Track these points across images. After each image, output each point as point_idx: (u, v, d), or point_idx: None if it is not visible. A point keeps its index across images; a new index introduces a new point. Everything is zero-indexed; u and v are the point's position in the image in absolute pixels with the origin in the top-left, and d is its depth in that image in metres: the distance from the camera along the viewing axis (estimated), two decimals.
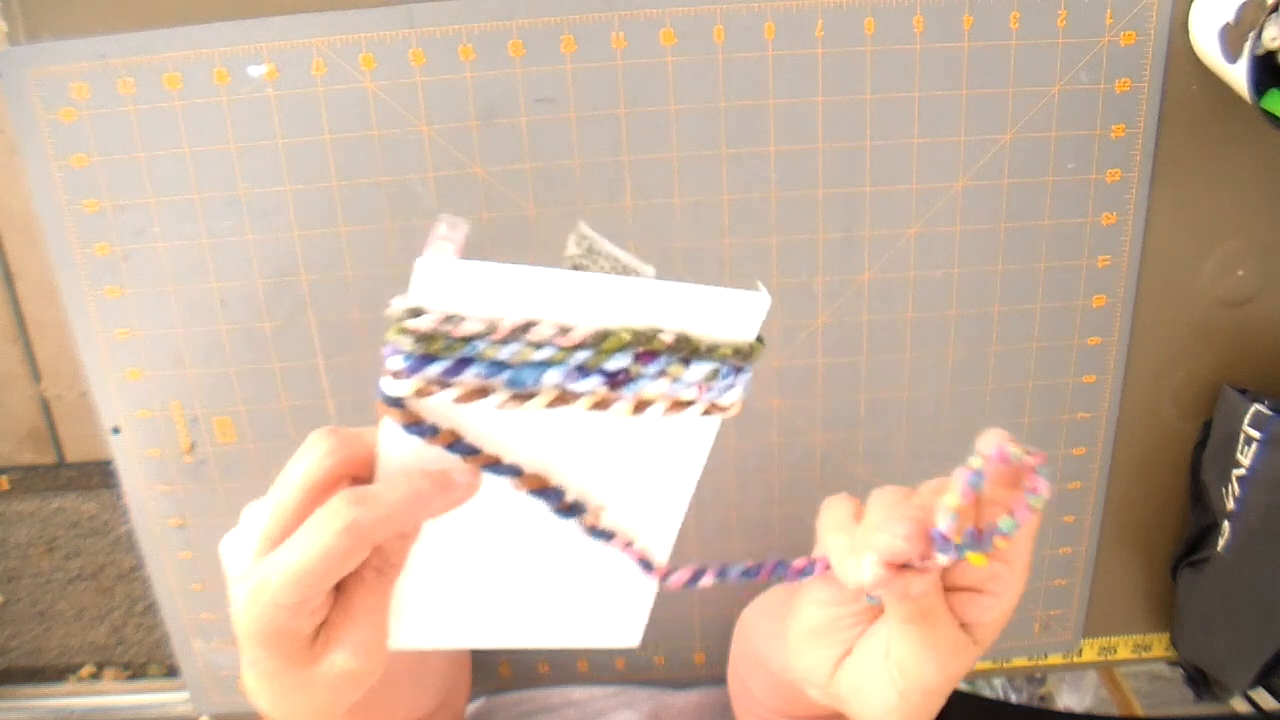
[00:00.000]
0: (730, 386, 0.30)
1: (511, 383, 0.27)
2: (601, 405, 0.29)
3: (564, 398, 0.28)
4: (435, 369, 0.27)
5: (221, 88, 0.49)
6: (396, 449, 0.29)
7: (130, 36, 0.48)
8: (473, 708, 0.60)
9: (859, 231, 0.53)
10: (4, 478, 1.58)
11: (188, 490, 0.56)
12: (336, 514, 0.27)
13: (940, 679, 0.33)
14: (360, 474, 0.30)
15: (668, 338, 0.28)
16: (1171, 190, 0.53)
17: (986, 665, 0.63)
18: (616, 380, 0.28)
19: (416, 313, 0.26)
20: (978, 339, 0.55)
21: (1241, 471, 0.52)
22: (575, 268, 0.30)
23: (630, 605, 0.35)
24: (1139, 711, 0.85)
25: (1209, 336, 0.56)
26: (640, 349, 0.28)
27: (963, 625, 0.34)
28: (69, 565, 1.59)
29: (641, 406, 0.29)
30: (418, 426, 0.28)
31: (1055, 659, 0.64)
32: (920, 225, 0.53)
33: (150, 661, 1.61)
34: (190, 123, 0.49)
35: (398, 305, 0.26)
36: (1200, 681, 0.62)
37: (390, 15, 0.48)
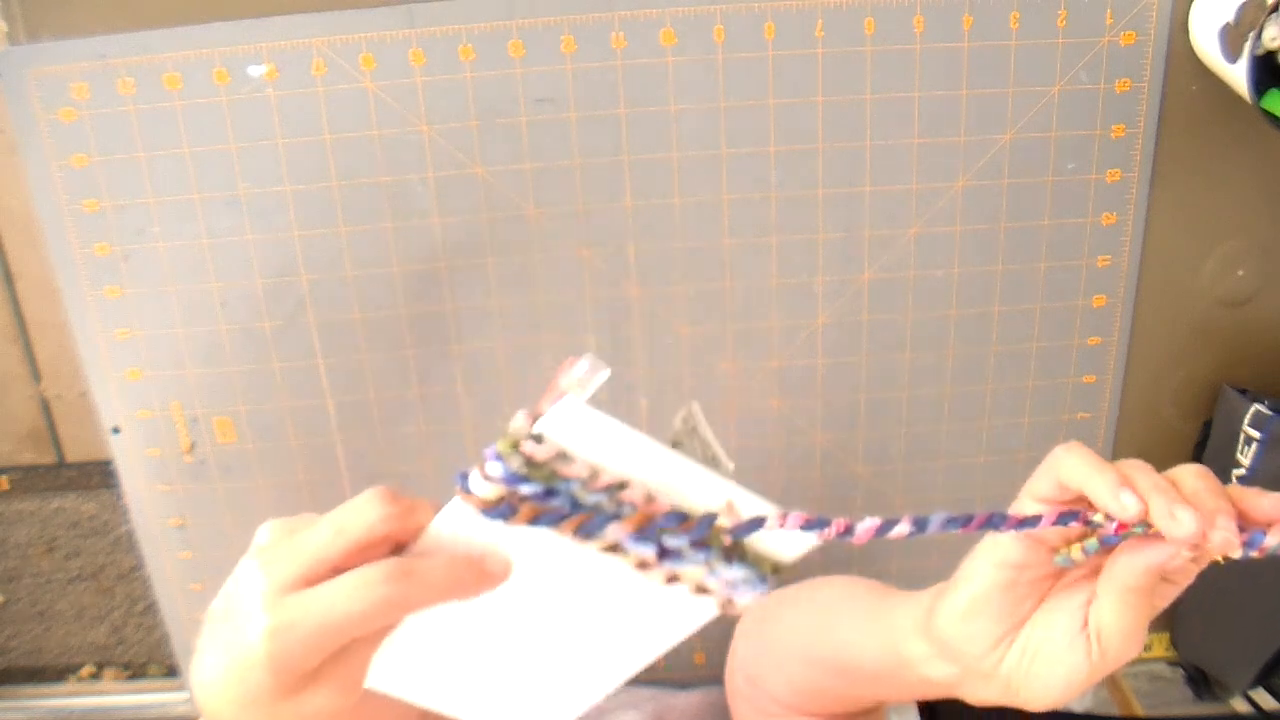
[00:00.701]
0: (751, 592, 0.32)
1: (582, 528, 0.29)
2: (642, 567, 0.31)
3: (616, 549, 0.30)
4: (527, 489, 0.28)
5: (221, 88, 0.49)
6: (455, 524, 0.30)
7: (130, 36, 0.48)
8: None
9: (859, 231, 0.53)
10: (4, 478, 1.58)
11: (188, 490, 0.56)
12: (383, 583, 0.28)
13: (1137, 653, 0.34)
14: (403, 539, 0.30)
15: (727, 538, 0.30)
16: (1171, 190, 0.53)
17: None
18: (666, 553, 0.30)
19: (538, 439, 0.28)
20: (978, 339, 0.55)
21: (1241, 471, 0.52)
22: (675, 442, 0.31)
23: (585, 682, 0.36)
24: (1139, 711, 0.85)
25: (1209, 336, 0.56)
26: (698, 539, 0.30)
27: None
28: (69, 565, 1.59)
29: (672, 580, 0.31)
30: (498, 510, 0.29)
31: None
32: (920, 225, 0.53)
33: (150, 661, 1.61)
34: (190, 123, 0.49)
35: (520, 423, 0.28)
36: (1200, 681, 0.62)
37: (390, 15, 0.48)
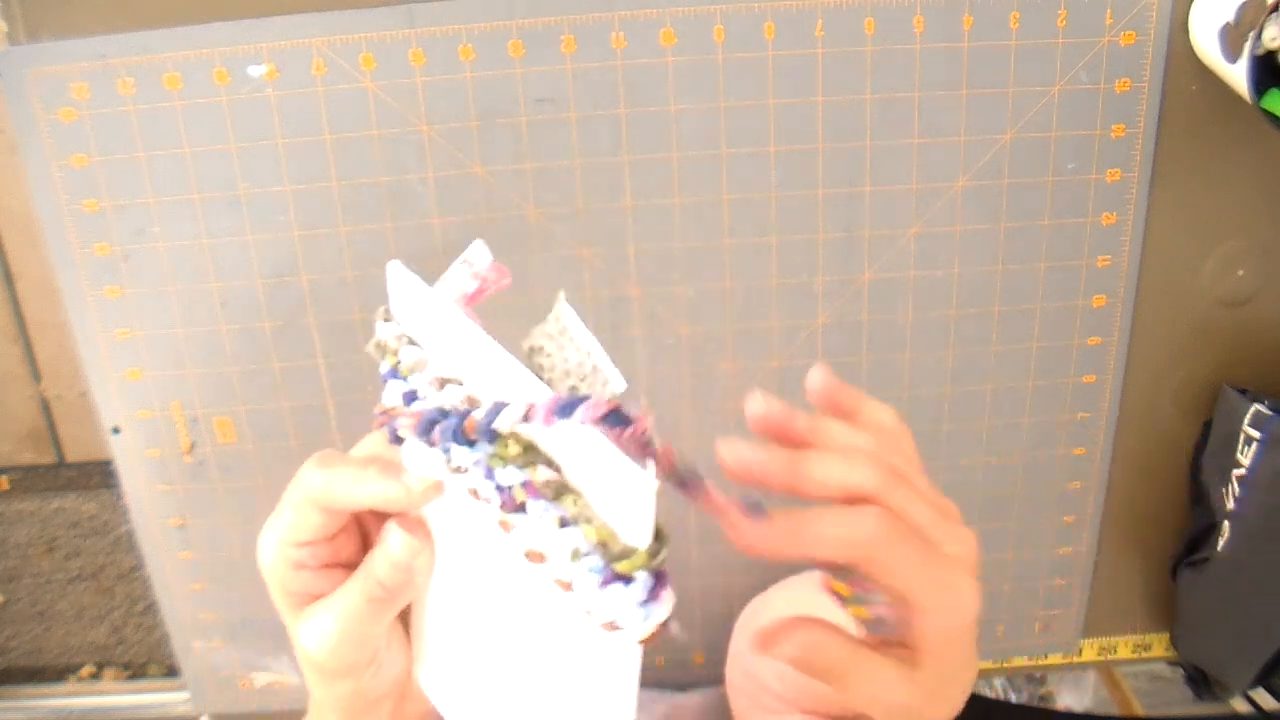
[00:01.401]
0: (604, 585, 0.24)
1: (419, 425, 0.25)
2: (502, 526, 0.26)
3: (474, 491, 0.26)
4: (396, 388, 0.26)
5: (221, 88, 0.49)
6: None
7: (130, 36, 0.48)
8: None
9: (859, 231, 0.53)
10: (4, 478, 1.58)
11: (188, 490, 0.56)
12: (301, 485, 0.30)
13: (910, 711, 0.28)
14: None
15: (548, 476, 0.24)
16: (1171, 190, 0.53)
17: (986, 665, 0.63)
18: (507, 500, 0.25)
19: (387, 318, 0.26)
20: (978, 339, 0.55)
21: (1241, 471, 0.52)
22: (536, 347, 0.27)
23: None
24: (1139, 711, 0.85)
25: (1209, 336, 0.56)
26: (527, 478, 0.24)
27: (904, 649, 0.29)
28: (69, 565, 1.59)
29: (535, 558, 0.25)
30: (390, 429, 0.27)
31: (1055, 659, 0.64)
32: (920, 225, 0.53)
33: (150, 661, 1.61)
34: (190, 123, 0.49)
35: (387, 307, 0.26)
36: (1200, 681, 0.62)
37: (390, 15, 0.48)
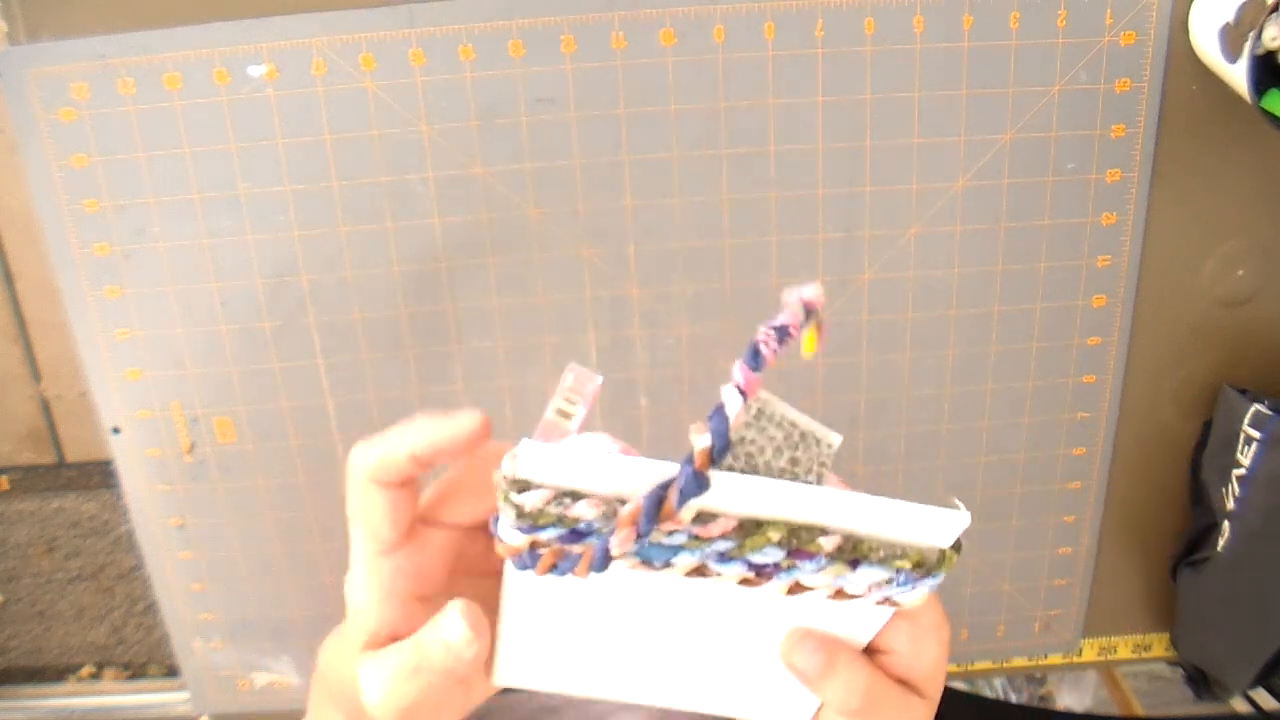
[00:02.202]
0: (911, 590, 0.27)
1: (639, 555, 0.26)
2: (748, 584, 0.26)
3: (703, 571, 0.26)
4: (549, 534, 0.25)
5: (221, 88, 0.49)
6: (521, 587, 0.28)
7: (130, 36, 0.48)
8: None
9: (859, 231, 0.53)
10: (4, 478, 1.58)
11: (188, 490, 0.56)
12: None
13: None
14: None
15: (830, 541, 0.26)
16: (1171, 190, 0.53)
17: (986, 665, 0.63)
18: (763, 571, 0.26)
19: (524, 486, 0.25)
20: (978, 339, 0.55)
21: (1241, 471, 0.52)
22: (736, 440, 0.26)
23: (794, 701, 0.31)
24: (1139, 711, 0.85)
25: (1209, 336, 0.56)
26: (795, 547, 0.26)
27: (903, 683, 0.30)
28: (69, 565, 1.59)
29: (797, 590, 0.27)
30: (520, 560, 0.26)
31: (1055, 659, 0.64)
32: (920, 225, 0.53)
33: (150, 661, 1.61)
34: (190, 123, 0.49)
35: (505, 469, 0.25)
36: (1200, 681, 0.62)
37: (390, 15, 0.48)
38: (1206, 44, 0.48)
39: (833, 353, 0.55)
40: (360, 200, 0.51)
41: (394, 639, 0.29)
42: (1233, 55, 0.45)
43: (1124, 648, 0.64)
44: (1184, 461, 0.58)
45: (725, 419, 0.24)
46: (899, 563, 0.26)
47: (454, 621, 0.27)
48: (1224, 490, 0.54)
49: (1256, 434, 0.51)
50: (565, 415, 0.27)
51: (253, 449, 0.55)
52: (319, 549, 0.57)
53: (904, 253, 0.53)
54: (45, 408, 1.54)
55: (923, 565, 0.26)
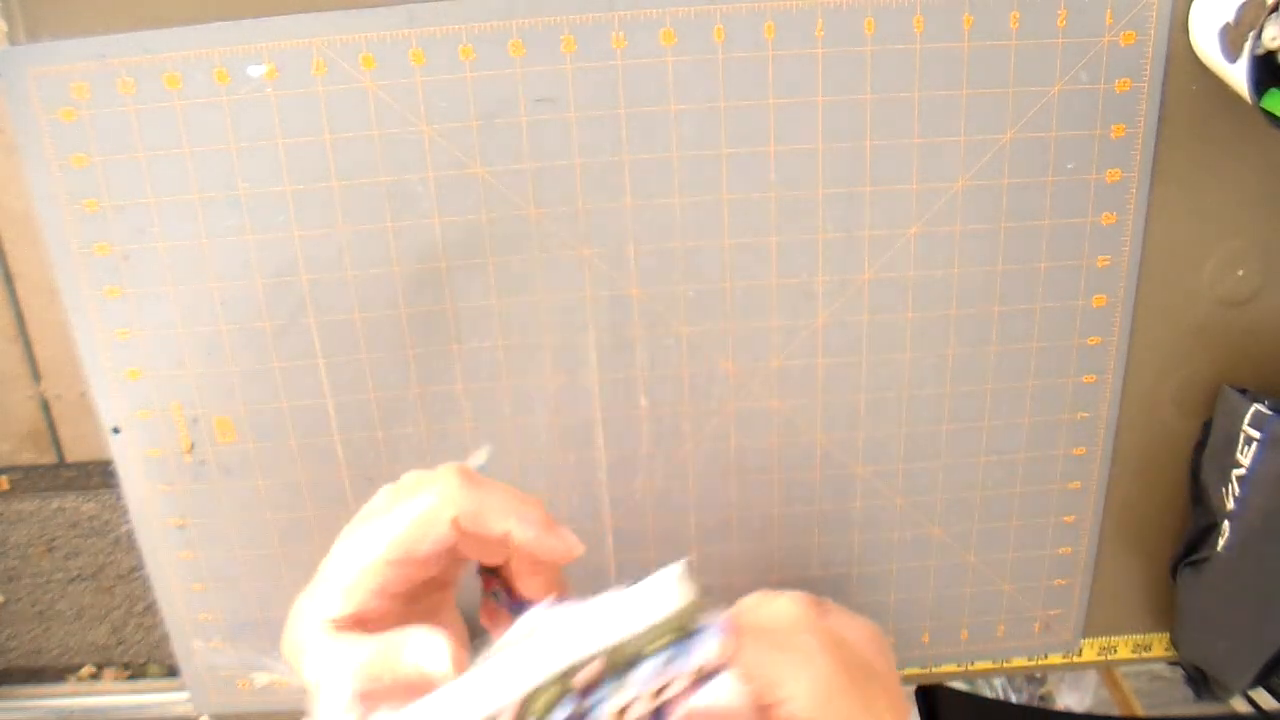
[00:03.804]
0: (700, 651, 0.27)
1: None
2: None
3: None
4: None
5: (221, 88, 0.49)
6: None
7: (130, 36, 0.48)
8: None
9: (859, 231, 0.53)
10: (4, 478, 1.58)
11: (188, 490, 0.56)
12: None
13: None
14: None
15: (594, 666, 0.26)
16: (1171, 190, 0.53)
17: (986, 665, 0.63)
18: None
19: None
20: (978, 339, 0.55)
21: (1241, 471, 0.52)
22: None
23: None
24: (1139, 711, 0.85)
25: (1209, 336, 0.56)
26: (575, 692, 0.26)
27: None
28: (69, 565, 1.59)
29: (619, 717, 0.27)
30: None
31: (1055, 659, 0.64)
32: (920, 225, 0.53)
33: (150, 661, 1.61)
34: (190, 123, 0.49)
35: None
36: (1200, 681, 0.62)
37: (390, 15, 0.48)
38: (1206, 44, 0.48)
39: (833, 353, 0.55)
40: (360, 200, 0.51)
41: (358, 623, 0.30)
42: (1233, 55, 0.45)
43: (1124, 648, 0.64)
44: (1184, 461, 0.58)
45: None
46: (660, 642, 0.27)
47: (439, 654, 0.28)
48: (1224, 490, 0.54)
49: (1256, 434, 0.51)
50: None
51: (253, 449, 0.55)
52: (319, 549, 0.57)
53: (904, 253, 0.53)
54: (45, 408, 1.54)
55: (683, 628, 0.27)
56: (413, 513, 0.30)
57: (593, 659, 0.26)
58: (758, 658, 0.29)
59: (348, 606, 0.30)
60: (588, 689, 0.26)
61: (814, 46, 0.49)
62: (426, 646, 0.28)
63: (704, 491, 0.57)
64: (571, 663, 0.26)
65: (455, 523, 0.29)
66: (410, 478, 0.32)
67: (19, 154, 0.49)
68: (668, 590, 0.27)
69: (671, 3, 0.48)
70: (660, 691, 0.27)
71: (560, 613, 0.28)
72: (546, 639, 0.26)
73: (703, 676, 0.28)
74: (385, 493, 0.33)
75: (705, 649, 0.27)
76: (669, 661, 0.27)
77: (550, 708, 0.26)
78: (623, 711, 0.27)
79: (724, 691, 0.29)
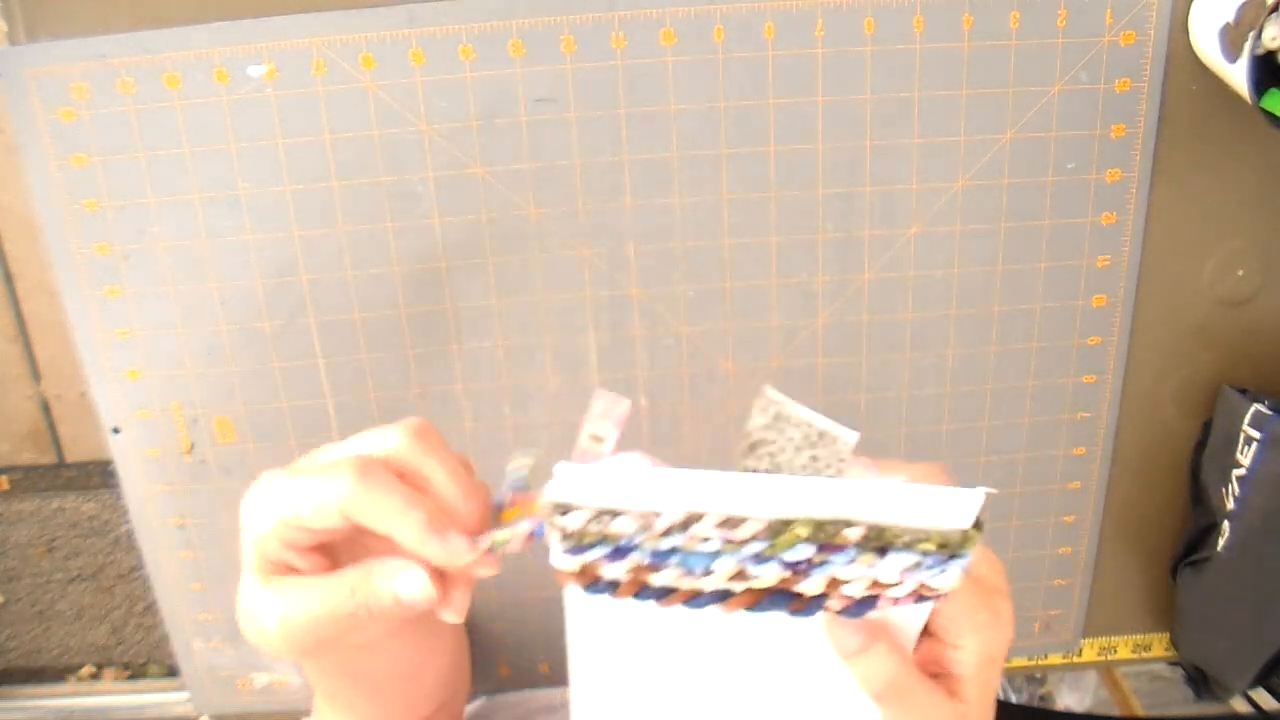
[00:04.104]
0: (941, 572, 0.28)
1: (682, 565, 0.27)
2: (789, 583, 0.28)
3: (744, 575, 0.27)
4: (594, 554, 0.27)
5: (221, 88, 0.49)
6: (584, 609, 0.29)
7: (130, 36, 0.48)
8: (472, 707, 0.60)
9: (859, 231, 0.53)
10: (4, 478, 1.58)
11: (188, 490, 0.56)
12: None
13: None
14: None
15: (855, 532, 0.27)
16: (1171, 190, 0.53)
17: None
18: (799, 569, 0.27)
19: (565, 509, 0.26)
20: (978, 339, 0.55)
21: (1241, 471, 0.52)
22: (755, 443, 0.28)
23: None
24: (1139, 711, 0.85)
25: (1209, 336, 0.56)
26: (823, 542, 0.27)
27: (938, 678, 0.31)
28: (69, 565, 1.59)
29: (835, 585, 0.28)
30: (597, 585, 0.28)
31: (1055, 659, 0.64)
32: (920, 225, 0.53)
33: (150, 661, 1.61)
34: (190, 123, 0.49)
35: (547, 495, 0.26)
36: (1200, 681, 0.62)
37: (390, 15, 0.48)
38: (1206, 44, 0.48)
39: (833, 353, 0.55)
40: (360, 200, 0.51)
41: (286, 570, 0.30)
42: (1233, 55, 0.45)
43: (1124, 648, 0.64)
44: (1184, 461, 0.58)
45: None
46: (924, 545, 0.27)
47: (415, 579, 0.29)
48: (1224, 490, 0.54)
49: (1256, 434, 0.51)
50: (598, 440, 0.29)
51: (253, 449, 0.55)
52: None
53: (904, 253, 0.53)
54: (45, 408, 1.54)
55: (947, 546, 0.27)
56: (307, 494, 0.30)
57: (858, 524, 0.27)
58: (965, 600, 0.30)
59: (261, 556, 0.31)
60: (832, 547, 0.27)
61: (814, 46, 0.49)
62: (399, 571, 0.29)
63: None
64: (837, 516, 0.26)
65: (342, 514, 0.29)
66: (336, 449, 0.32)
67: (19, 154, 0.49)
68: (960, 507, 0.27)
69: (671, 3, 0.48)
70: (881, 586, 0.28)
71: (847, 442, 0.28)
72: (829, 484, 0.26)
73: (922, 596, 0.28)
74: (322, 450, 0.33)
75: (949, 577, 0.28)
76: (915, 567, 0.27)
77: (793, 544, 0.26)
78: (837, 583, 0.28)
79: (923, 614, 0.30)
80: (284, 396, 0.54)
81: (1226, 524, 0.54)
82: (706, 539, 0.26)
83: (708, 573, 0.27)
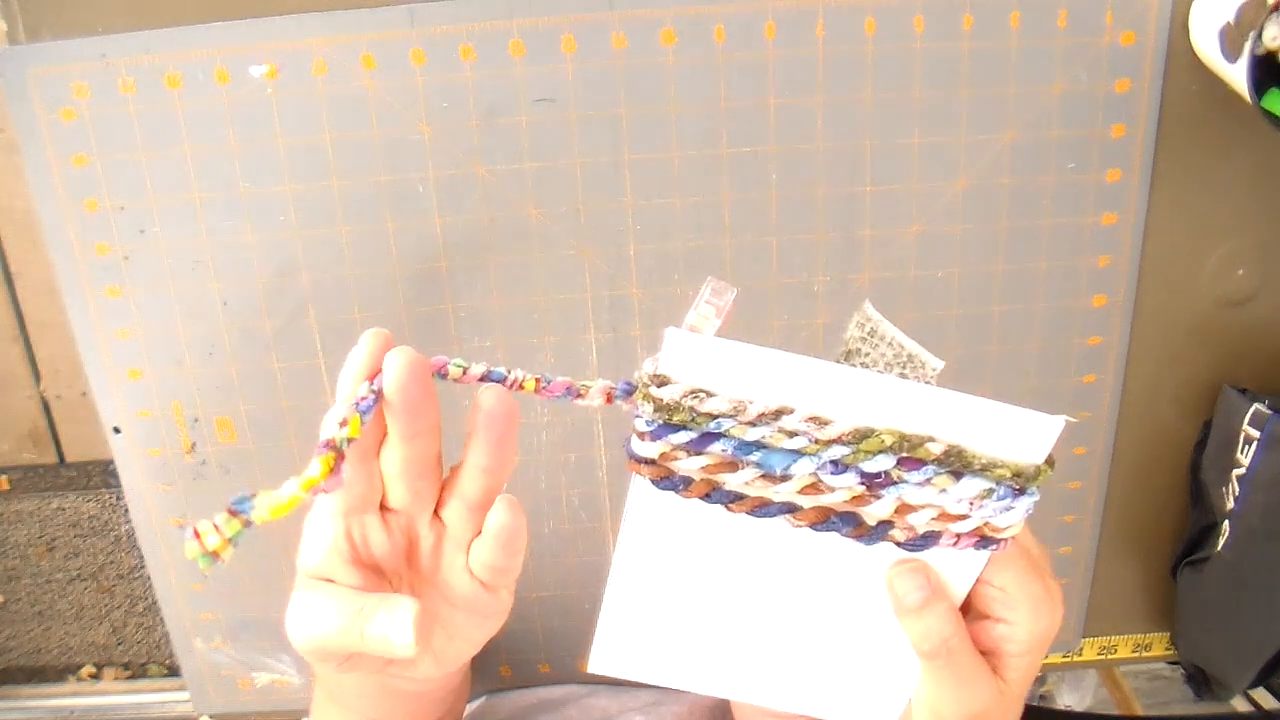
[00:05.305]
0: (1008, 508, 0.28)
1: (760, 465, 0.27)
2: (859, 502, 0.27)
3: (817, 487, 0.27)
4: (680, 438, 0.27)
5: (222, 88, 0.49)
6: (647, 504, 0.29)
7: (130, 36, 0.48)
8: (472, 707, 0.60)
9: (859, 231, 0.53)
10: (4, 478, 1.58)
11: (188, 490, 0.56)
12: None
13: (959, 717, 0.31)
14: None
15: (937, 448, 0.27)
16: (1171, 190, 0.53)
17: None
18: (875, 482, 0.27)
19: (662, 381, 0.26)
20: (978, 339, 0.55)
21: (1241, 471, 0.52)
22: (851, 352, 0.29)
23: (888, 685, 0.33)
24: (1139, 711, 0.85)
25: (1209, 336, 0.56)
26: (904, 454, 0.27)
27: (988, 656, 0.32)
28: (69, 565, 1.59)
29: (904, 511, 0.28)
30: (669, 480, 0.28)
31: (1055, 659, 0.64)
32: (920, 225, 0.53)
33: (150, 661, 1.61)
34: (190, 123, 0.49)
35: (646, 368, 0.26)
36: (1200, 681, 0.62)
37: (390, 15, 0.48)
38: (1206, 44, 0.48)
39: (833, 352, 0.55)
40: (360, 200, 0.51)
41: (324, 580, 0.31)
42: (1233, 55, 0.45)
43: (1124, 647, 0.64)
44: (1184, 461, 0.58)
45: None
46: (999, 472, 0.27)
47: (403, 626, 0.28)
48: (1224, 490, 0.54)
49: (1256, 434, 0.51)
50: (704, 321, 0.28)
51: (253, 449, 0.55)
52: None
53: (904, 253, 0.53)
54: (45, 408, 1.54)
55: (1020, 476, 0.27)
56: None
57: (940, 441, 0.27)
58: (1019, 570, 0.30)
59: (319, 569, 0.31)
60: (912, 462, 0.27)
61: (814, 46, 0.49)
62: (392, 615, 0.29)
63: None
64: (917, 432, 0.27)
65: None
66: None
67: (19, 154, 0.49)
68: (1040, 430, 0.27)
69: (671, 3, 0.48)
70: (947, 518, 0.28)
71: (933, 369, 0.28)
72: (920, 388, 0.26)
73: (984, 538, 0.28)
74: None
75: (1014, 515, 0.28)
76: (986, 496, 0.27)
77: (876, 451, 0.26)
78: (905, 509, 0.28)
79: (973, 575, 0.30)
80: (284, 396, 0.54)
81: (1226, 524, 0.54)
82: (794, 434, 0.26)
83: (785, 477, 0.27)
